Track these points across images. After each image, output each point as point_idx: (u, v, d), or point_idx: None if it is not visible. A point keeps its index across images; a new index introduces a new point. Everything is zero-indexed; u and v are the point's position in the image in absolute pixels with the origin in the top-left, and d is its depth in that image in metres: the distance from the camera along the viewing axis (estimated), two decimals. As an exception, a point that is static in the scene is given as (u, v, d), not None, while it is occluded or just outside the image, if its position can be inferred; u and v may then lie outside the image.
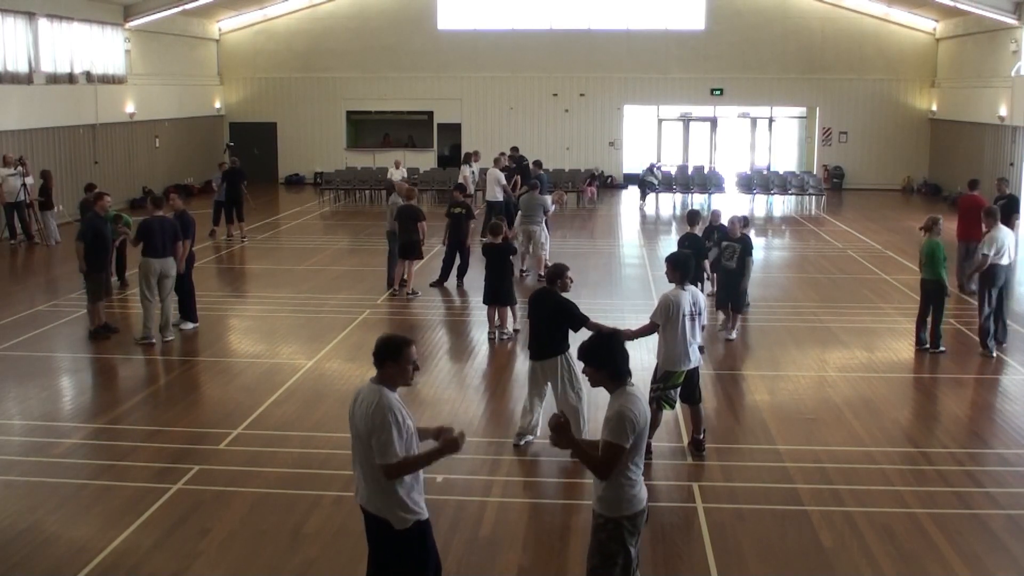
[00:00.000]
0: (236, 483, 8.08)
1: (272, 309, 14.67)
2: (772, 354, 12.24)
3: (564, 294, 8.76)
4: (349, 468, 8.18)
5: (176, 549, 6.92)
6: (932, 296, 11.97)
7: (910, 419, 9.98)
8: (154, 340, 12.36)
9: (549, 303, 8.68)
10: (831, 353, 12.27)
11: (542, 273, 16.01)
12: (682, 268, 8.50)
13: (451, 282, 16.11)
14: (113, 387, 11.12)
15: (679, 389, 8.63)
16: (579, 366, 8.49)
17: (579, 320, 8.51)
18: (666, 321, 8.37)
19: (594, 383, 5.22)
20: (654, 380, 8.66)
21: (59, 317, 13.85)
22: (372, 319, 13.92)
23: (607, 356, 5.13)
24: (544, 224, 16.79)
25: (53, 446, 8.93)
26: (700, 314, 8.50)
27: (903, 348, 12.42)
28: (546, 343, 8.64)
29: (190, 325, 13.12)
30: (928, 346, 12.09)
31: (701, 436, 8.76)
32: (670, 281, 8.63)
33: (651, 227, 24.35)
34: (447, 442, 5.11)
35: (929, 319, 12.12)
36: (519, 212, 16.85)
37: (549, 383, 8.71)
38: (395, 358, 5.07)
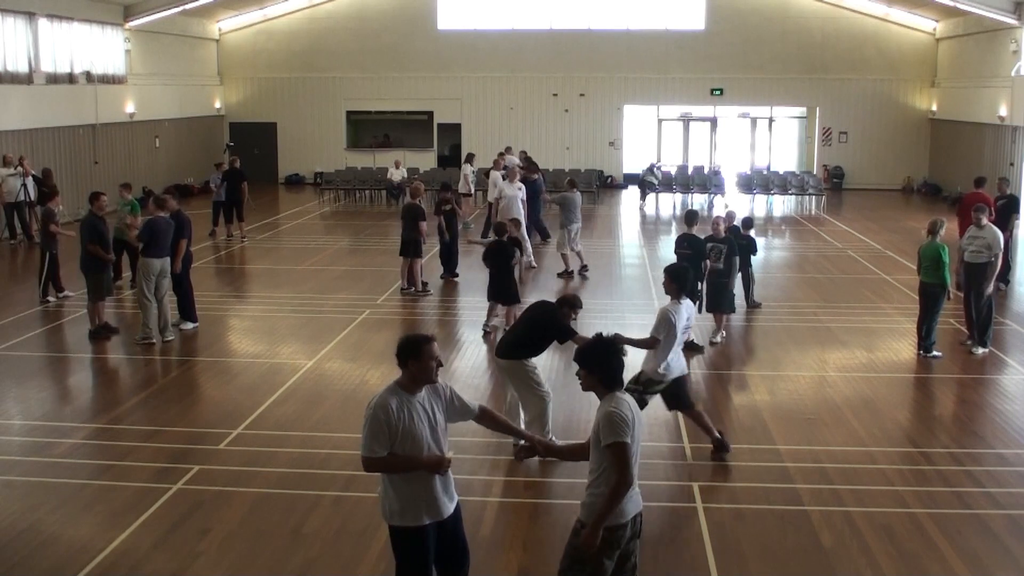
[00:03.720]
0: (236, 483, 8.07)
1: (272, 309, 14.67)
2: (772, 354, 12.23)
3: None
4: (349, 468, 8.23)
5: (176, 549, 6.92)
6: (933, 299, 11.88)
7: (910, 419, 9.98)
8: (154, 340, 12.36)
9: (543, 315, 8.69)
10: (831, 353, 12.26)
11: (584, 263, 17.07)
12: (679, 281, 8.51)
13: (452, 281, 16.14)
14: (113, 387, 11.11)
15: (657, 396, 8.62)
16: (539, 373, 8.60)
17: (568, 333, 8.50)
18: (665, 335, 8.38)
19: (585, 387, 5.14)
20: (634, 381, 8.50)
21: (59, 317, 13.86)
22: (372, 319, 13.92)
23: (601, 360, 5.05)
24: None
25: (53, 446, 8.93)
26: (688, 328, 8.60)
27: (903, 348, 12.41)
28: (514, 344, 8.63)
29: (190, 325, 13.12)
30: (921, 351, 11.99)
31: (720, 435, 8.65)
32: (667, 293, 8.63)
33: (651, 227, 24.35)
34: (431, 461, 5.04)
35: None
36: (561, 211, 17.17)
37: (510, 382, 8.72)
38: (416, 356, 5.05)
